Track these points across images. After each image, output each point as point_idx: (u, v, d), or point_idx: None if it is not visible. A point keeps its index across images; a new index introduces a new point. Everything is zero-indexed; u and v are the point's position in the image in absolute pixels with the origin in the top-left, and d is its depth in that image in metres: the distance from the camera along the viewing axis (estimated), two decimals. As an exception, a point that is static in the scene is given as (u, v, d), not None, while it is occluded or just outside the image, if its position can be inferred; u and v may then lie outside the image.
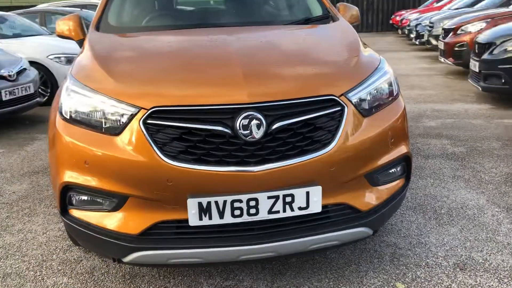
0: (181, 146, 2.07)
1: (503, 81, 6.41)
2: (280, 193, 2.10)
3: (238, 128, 2.03)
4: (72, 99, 2.29)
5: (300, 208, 2.14)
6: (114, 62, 2.51)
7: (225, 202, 2.07)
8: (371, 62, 2.55)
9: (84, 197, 2.26)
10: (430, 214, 3.30)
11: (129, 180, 2.11)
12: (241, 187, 2.08)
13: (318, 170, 2.16)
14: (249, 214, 2.10)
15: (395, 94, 2.54)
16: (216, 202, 2.06)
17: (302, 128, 2.14)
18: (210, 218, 2.08)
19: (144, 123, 2.08)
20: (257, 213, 2.10)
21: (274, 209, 2.11)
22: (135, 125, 2.09)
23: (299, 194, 2.12)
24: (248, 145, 2.07)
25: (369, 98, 2.35)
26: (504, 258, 2.70)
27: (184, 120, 2.07)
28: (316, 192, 2.14)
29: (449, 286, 2.46)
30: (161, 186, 2.09)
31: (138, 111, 2.10)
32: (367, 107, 2.34)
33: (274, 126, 2.08)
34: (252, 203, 2.09)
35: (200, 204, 2.06)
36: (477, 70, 6.85)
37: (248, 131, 2.04)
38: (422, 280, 2.51)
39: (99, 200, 2.23)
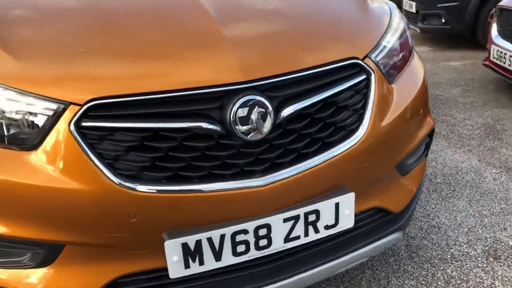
0: (144, 159, 1.29)
1: (443, 20, 6.08)
2: (301, 211, 1.41)
3: (232, 121, 1.29)
4: None
5: (327, 227, 1.48)
6: (10, 29, 1.53)
7: (222, 237, 1.35)
8: (383, 12, 1.86)
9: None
10: (427, 186, 2.81)
11: (62, 220, 1.31)
12: (245, 211, 1.37)
13: (348, 169, 1.50)
14: (258, 248, 1.40)
15: (411, 48, 1.91)
16: (210, 240, 1.34)
17: (321, 111, 1.45)
18: (202, 263, 1.35)
19: (78, 126, 1.26)
20: (269, 244, 1.41)
21: (293, 234, 1.43)
22: (63, 130, 1.27)
23: (326, 208, 1.45)
24: (250, 146, 1.35)
25: (392, 59, 1.70)
26: (534, 235, 2.28)
27: (144, 118, 1.28)
28: (347, 202, 1.48)
29: (492, 286, 1.98)
30: (119, 225, 1.31)
31: (65, 108, 1.27)
32: (392, 71, 1.69)
33: (285, 113, 1.37)
34: (262, 231, 1.39)
35: (185, 246, 1.32)
36: (414, 10, 6.46)
37: (249, 126, 1.30)
38: (459, 282, 2.01)
39: (14, 251, 1.40)
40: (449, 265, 2.11)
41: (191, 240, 1.31)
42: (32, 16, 1.57)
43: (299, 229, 1.43)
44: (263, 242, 1.39)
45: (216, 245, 1.34)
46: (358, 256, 1.62)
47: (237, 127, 1.29)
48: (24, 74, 1.33)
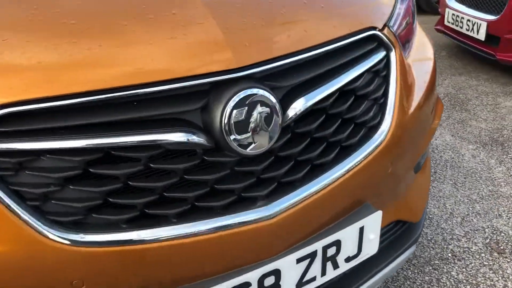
0: (90, 196, 0.83)
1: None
2: (318, 245, 1.02)
3: (225, 129, 0.86)
4: None
5: (348, 259, 1.10)
6: None
7: (217, 297, 0.92)
8: None
9: None
10: (404, 168, 2.52)
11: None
12: (245, 256, 0.95)
13: (372, 178, 1.12)
14: (264, 304, 1.00)
15: (414, 11, 1.54)
16: (195, 305, 0.91)
17: (338, 104, 1.04)
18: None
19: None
20: (277, 297, 1.01)
21: (308, 276, 1.03)
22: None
23: (349, 236, 1.07)
24: (249, 163, 0.92)
25: (402, 26, 1.32)
26: (531, 221, 2.07)
27: (87, 131, 0.81)
28: (374, 224, 1.11)
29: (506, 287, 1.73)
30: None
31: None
32: (405, 43, 1.31)
33: (294, 110, 0.95)
34: (269, 280, 0.98)
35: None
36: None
37: (249, 133, 0.87)
38: (468, 286, 1.74)
39: None
40: (453, 266, 1.83)
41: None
42: None
43: (315, 269, 1.04)
44: (269, 297, 0.99)
45: (208, 310, 0.92)
46: (377, 281, 1.27)
47: (231, 136, 0.86)
48: None
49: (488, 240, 1.96)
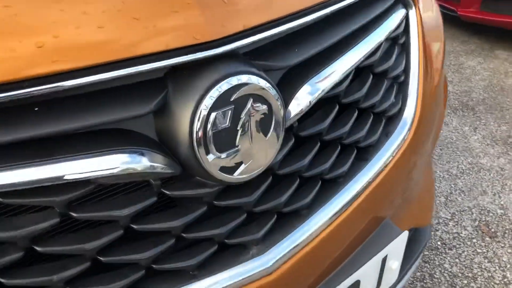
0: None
1: None
2: (332, 295, 0.71)
3: (197, 144, 0.51)
4: None
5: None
6: None
7: None
8: None
9: None
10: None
11: None
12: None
13: (394, 187, 0.81)
14: None
15: None
16: None
17: (353, 90, 0.72)
18: None
19: None
20: None
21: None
22: None
23: (369, 271, 0.77)
24: (237, 192, 0.58)
25: None
26: (518, 197, 1.88)
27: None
28: (398, 250, 0.81)
29: (505, 280, 1.53)
30: None
31: None
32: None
33: (298, 103, 0.61)
34: None
35: None
36: None
37: (237, 147, 0.53)
38: (465, 282, 1.52)
39: None
40: (445, 257, 1.61)
41: None
42: None
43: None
44: None
45: None
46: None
47: (209, 156, 0.51)
48: None
49: (477, 223, 1.76)
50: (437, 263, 1.58)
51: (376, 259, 0.76)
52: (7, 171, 0.44)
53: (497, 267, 1.57)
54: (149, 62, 0.49)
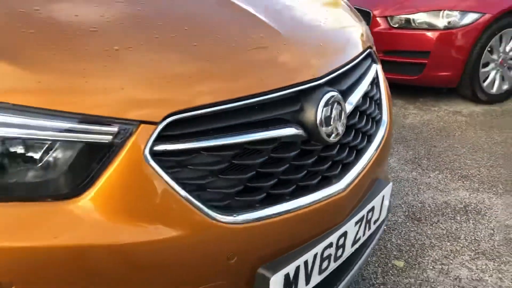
0: (234, 182, 1.03)
1: None
2: (365, 211, 1.34)
3: (319, 123, 1.13)
4: None
5: (375, 222, 1.44)
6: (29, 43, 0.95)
7: (315, 256, 1.18)
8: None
9: None
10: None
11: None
12: (328, 222, 1.22)
13: (383, 159, 1.48)
14: (335, 259, 1.27)
15: None
16: (306, 263, 1.15)
17: (364, 104, 1.40)
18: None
19: (153, 152, 0.92)
20: (343, 252, 1.30)
21: (358, 236, 1.35)
22: (131, 160, 0.91)
23: (377, 203, 1.41)
24: (328, 149, 1.21)
25: None
26: (431, 195, 2.66)
27: (227, 131, 1.01)
28: (388, 193, 1.47)
29: (431, 243, 2.23)
30: (216, 272, 1.02)
31: (133, 131, 0.91)
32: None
33: (349, 107, 1.27)
34: (341, 241, 1.26)
35: (287, 276, 1.11)
36: None
37: (332, 125, 1.16)
38: (406, 246, 2.21)
39: None
40: (391, 235, 2.30)
41: (291, 268, 1.11)
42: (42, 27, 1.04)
43: (361, 230, 1.35)
44: (339, 252, 1.27)
45: (309, 267, 1.17)
46: (374, 243, 1.62)
47: (323, 128, 1.14)
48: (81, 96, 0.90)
49: (407, 213, 2.48)
50: (386, 238, 2.26)
51: (380, 196, 1.40)
52: (257, 133, 1.02)
53: (425, 237, 2.28)
54: (295, 87, 1.11)
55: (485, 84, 3.98)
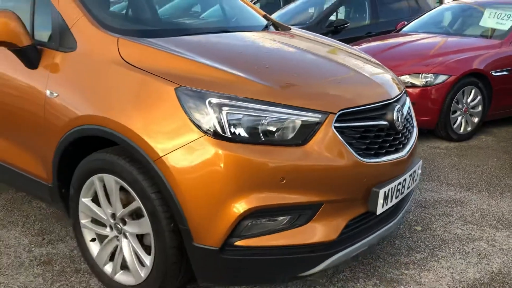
0: (363, 144, 2.22)
1: None
2: (411, 171, 2.54)
3: (395, 119, 2.35)
4: (234, 115, 1.98)
5: (414, 181, 2.63)
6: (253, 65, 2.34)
7: (395, 186, 2.35)
8: None
9: (265, 220, 2.04)
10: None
11: (328, 186, 2.10)
12: (398, 171, 2.41)
13: (417, 142, 2.71)
14: (401, 193, 2.45)
15: None
16: (391, 188, 2.32)
17: (409, 110, 2.67)
18: (387, 203, 2.32)
19: (334, 127, 2.11)
20: (403, 191, 2.47)
21: (409, 183, 2.53)
22: (327, 130, 2.09)
23: (416, 169, 2.61)
24: (398, 134, 2.42)
25: None
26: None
27: (362, 119, 2.22)
28: (419, 165, 2.68)
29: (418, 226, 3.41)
30: (358, 185, 2.18)
31: (327, 117, 2.10)
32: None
33: (405, 112, 2.52)
34: (404, 182, 2.45)
35: (385, 193, 2.27)
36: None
37: (399, 121, 2.38)
38: (414, 225, 3.38)
39: (285, 218, 2.07)
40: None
41: (387, 189, 2.29)
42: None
43: (411, 181, 2.54)
44: (403, 190, 2.45)
45: (393, 192, 2.34)
46: (411, 199, 2.80)
47: (396, 122, 2.35)
48: (296, 98, 2.15)
49: (414, 221, 3.68)
50: (406, 218, 3.43)
51: (418, 164, 2.61)
52: (380, 121, 2.25)
53: (431, 215, 3.46)
54: (386, 101, 2.36)
55: (455, 126, 5.35)
